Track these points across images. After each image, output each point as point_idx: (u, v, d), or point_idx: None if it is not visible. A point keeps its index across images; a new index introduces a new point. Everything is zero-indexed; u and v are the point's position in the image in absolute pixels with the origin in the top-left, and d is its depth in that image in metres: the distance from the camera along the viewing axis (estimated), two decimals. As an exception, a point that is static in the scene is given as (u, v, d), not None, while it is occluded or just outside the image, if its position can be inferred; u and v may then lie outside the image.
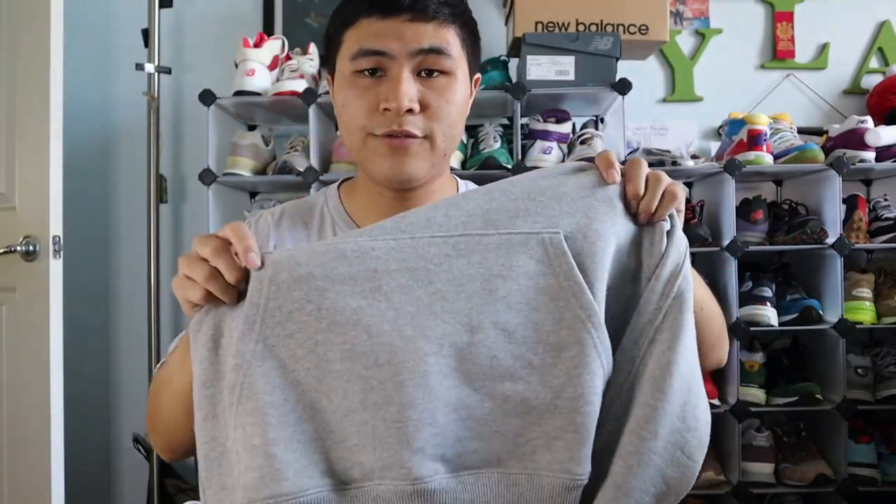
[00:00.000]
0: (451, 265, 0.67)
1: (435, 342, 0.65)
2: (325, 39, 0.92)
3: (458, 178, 1.01)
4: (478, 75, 0.95)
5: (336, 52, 0.88)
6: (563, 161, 2.01)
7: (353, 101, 0.85)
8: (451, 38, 0.85)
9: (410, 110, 0.83)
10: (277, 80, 2.04)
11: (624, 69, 2.01)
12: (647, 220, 0.72)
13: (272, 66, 2.06)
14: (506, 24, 2.25)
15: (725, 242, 1.96)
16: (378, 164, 0.87)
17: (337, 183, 1.01)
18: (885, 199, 2.10)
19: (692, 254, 2.35)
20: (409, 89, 0.83)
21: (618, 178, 0.72)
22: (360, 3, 0.84)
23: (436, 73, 0.85)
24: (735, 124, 2.06)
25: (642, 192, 0.71)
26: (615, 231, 0.70)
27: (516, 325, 0.66)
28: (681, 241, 0.72)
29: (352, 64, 0.84)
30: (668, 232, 0.72)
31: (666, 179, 0.73)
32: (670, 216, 0.72)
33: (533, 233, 0.68)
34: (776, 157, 2.01)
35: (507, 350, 0.66)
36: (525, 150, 2.01)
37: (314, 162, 1.97)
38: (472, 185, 1.02)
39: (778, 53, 2.36)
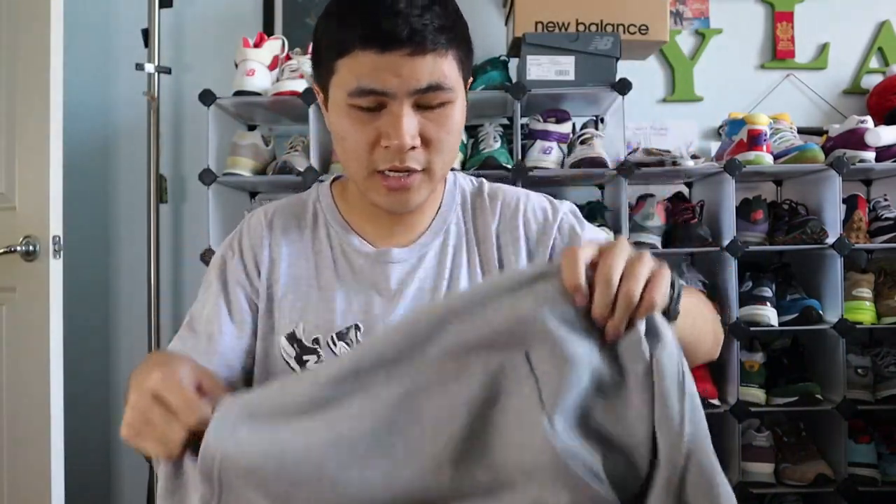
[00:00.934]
0: (412, 404, 0.63)
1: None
2: (314, 56, 0.90)
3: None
4: (470, 79, 0.94)
5: (328, 77, 0.85)
6: (562, 161, 2.01)
7: (354, 134, 0.84)
8: (447, 68, 0.83)
9: (413, 146, 0.83)
10: (277, 80, 2.04)
11: (624, 69, 2.01)
12: (616, 337, 0.63)
13: (272, 66, 2.06)
14: (506, 24, 2.25)
15: (725, 242, 1.96)
16: (379, 199, 0.88)
17: (329, 181, 1.02)
18: (885, 199, 2.10)
19: (691, 254, 2.33)
20: (410, 126, 0.82)
21: (584, 301, 0.62)
22: (354, 33, 0.80)
23: (435, 105, 0.84)
24: (735, 124, 2.05)
25: (607, 312, 0.62)
26: (583, 352, 0.62)
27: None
28: (671, 346, 0.62)
29: (350, 98, 0.82)
30: (647, 333, 0.62)
31: (638, 280, 0.62)
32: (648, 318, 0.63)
33: (487, 371, 0.64)
34: (776, 157, 2.01)
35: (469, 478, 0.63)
36: (525, 150, 2.01)
37: (314, 162, 1.97)
38: (460, 178, 1.02)
39: (778, 53, 2.36)
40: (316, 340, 0.90)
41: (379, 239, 0.95)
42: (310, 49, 2.11)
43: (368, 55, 0.79)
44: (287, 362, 0.90)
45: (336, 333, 0.90)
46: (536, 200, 0.99)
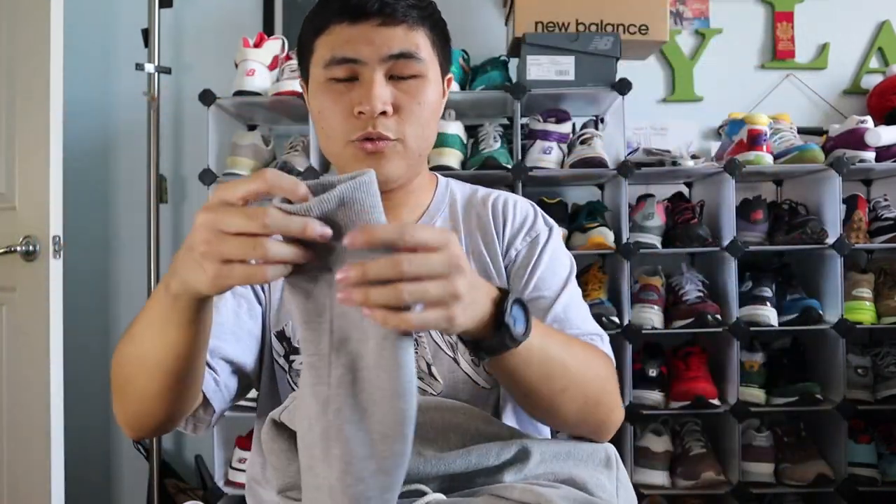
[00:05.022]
0: None
1: None
2: (298, 47, 0.93)
3: (439, 176, 1.02)
4: (450, 75, 0.96)
5: (309, 60, 0.89)
6: (562, 161, 2.01)
7: (329, 107, 0.86)
8: (420, 41, 0.86)
9: (384, 112, 0.84)
10: (277, 80, 2.04)
11: (624, 69, 2.01)
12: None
13: (272, 66, 2.06)
14: (506, 24, 2.25)
15: (725, 242, 1.96)
16: (356, 169, 0.86)
17: None
18: (885, 199, 2.10)
19: (691, 254, 2.33)
20: (382, 93, 0.83)
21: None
22: (329, 11, 0.85)
23: (407, 76, 0.86)
24: (735, 124, 2.05)
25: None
26: None
27: None
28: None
29: (325, 71, 0.85)
30: None
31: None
32: None
33: None
34: (776, 157, 2.01)
35: None
36: (525, 150, 2.01)
37: (314, 162, 1.97)
38: (452, 183, 1.02)
39: (778, 53, 2.36)
40: None
41: None
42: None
43: (342, 28, 0.84)
44: (277, 360, 0.91)
45: None
46: (522, 205, 0.99)
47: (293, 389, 0.88)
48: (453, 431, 0.76)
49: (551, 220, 0.99)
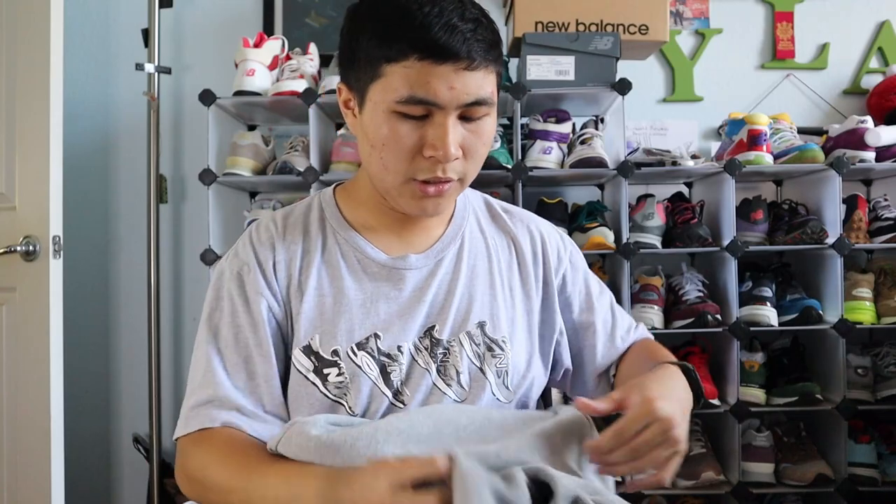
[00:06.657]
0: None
1: None
2: (347, 55, 0.88)
3: None
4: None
5: (369, 81, 0.85)
6: (562, 161, 2.01)
7: (396, 142, 0.84)
8: (491, 83, 0.85)
9: (456, 157, 0.85)
10: (277, 80, 2.04)
11: (624, 69, 2.01)
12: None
13: (272, 66, 2.06)
14: (506, 24, 2.25)
15: (725, 242, 1.96)
16: (411, 205, 0.89)
17: (332, 188, 1.02)
18: (885, 199, 2.10)
19: (691, 254, 2.32)
20: (456, 139, 0.84)
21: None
22: (409, 41, 0.80)
23: (476, 118, 0.86)
24: (735, 124, 2.05)
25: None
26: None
27: None
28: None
29: (397, 105, 0.82)
30: None
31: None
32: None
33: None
34: (776, 157, 2.01)
35: None
36: (525, 149, 2.01)
37: (314, 162, 1.97)
38: (468, 192, 1.05)
39: (778, 53, 2.36)
40: (335, 352, 0.89)
41: (392, 245, 0.95)
42: (310, 49, 2.11)
43: (424, 65, 0.80)
44: (305, 376, 0.88)
45: (356, 344, 0.89)
46: (551, 228, 1.07)
47: (327, 398, 0.88)
48: (448, 429, 0.79)
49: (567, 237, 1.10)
